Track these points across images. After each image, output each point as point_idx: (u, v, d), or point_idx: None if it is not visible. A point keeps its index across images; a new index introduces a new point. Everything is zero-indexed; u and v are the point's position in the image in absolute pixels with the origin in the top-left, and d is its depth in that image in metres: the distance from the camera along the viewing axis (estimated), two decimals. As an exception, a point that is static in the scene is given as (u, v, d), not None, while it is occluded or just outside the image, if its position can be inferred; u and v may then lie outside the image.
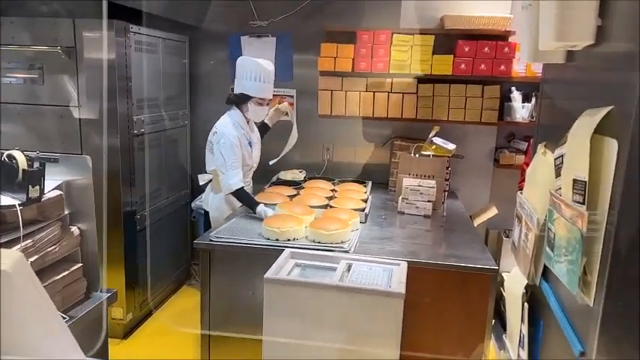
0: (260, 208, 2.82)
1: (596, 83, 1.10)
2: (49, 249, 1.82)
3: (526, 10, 1.24)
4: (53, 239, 1.84)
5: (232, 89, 3.23)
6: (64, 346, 0.91)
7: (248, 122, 3.11)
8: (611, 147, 0.92)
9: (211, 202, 3.14)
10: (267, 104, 3.09)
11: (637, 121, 0.87)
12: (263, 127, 3.37)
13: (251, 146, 3.11)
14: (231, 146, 2.90)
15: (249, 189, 3.22)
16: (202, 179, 3.23)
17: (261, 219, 2.68)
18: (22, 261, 0.83)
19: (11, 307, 0.81)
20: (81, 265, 1.97)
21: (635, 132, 0.87)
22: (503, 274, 3.23)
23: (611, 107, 0.95)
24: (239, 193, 2.90)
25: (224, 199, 3.07)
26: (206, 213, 3.22)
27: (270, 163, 3.47)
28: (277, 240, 2.44)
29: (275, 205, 2.85)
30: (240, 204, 3.03)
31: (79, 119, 3.11)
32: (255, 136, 3.22)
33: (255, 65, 2.96)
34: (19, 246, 1.69)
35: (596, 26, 1.03)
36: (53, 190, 1.87)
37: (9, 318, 0.81)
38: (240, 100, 3.02)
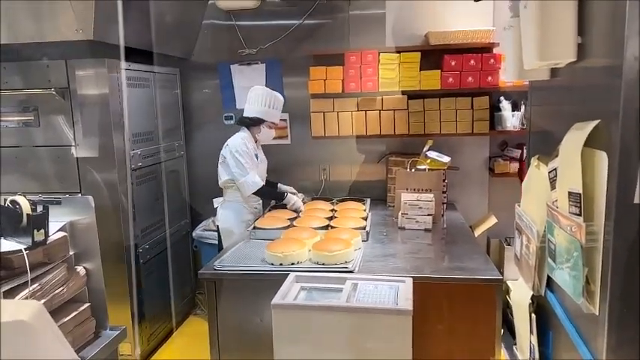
0: (289, 198, 3.36)
1: (582, 97, 1.14)
2: (57, 291, 1.83)
3: (508, 31, 1.29)
4: (60, 281, 1.85)
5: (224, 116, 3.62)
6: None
7: (256, 142, 3.42)
8: (601, 159, 0.95)
9: (221, 213, 3.41)
10: (275, 128, 3.50)
11: (624, 134, 0.91)
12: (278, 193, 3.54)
13: (257, 158, 3.39)
14: (245, 152, 3.27)
15: (259, 205, 3.52)
16: (217, 202, 3.50)
17: (266, 243, 2.71)
18: (41, 310, 0.85)
19: (33, 356, 0.83)
20: (89, 304, 1.97)
21: (623, 144, 0.91)
22: (508, 282, 3.25)
23: (597, 121, 0.98)
24: (262, 191, 3.32)
25: (232, 209, 3.37)
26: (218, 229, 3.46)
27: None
28: (281, 264, 2.45)
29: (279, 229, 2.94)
30: (250, 213, 3.39)
31: (77, 158, 3.13)
32: (261, 154, 3.51)
33: (270, 94, 3.37)
34: (27, 290, 1.70)
35: (576, 44, 1.08)
36: (57, 231, 1.89)
37: (32, 368, 0.83)
38: (253, 123, 3.37)
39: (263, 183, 3.29)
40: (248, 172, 3.23)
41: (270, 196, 3.44)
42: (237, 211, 3.37)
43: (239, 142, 3.29)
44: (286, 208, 3.41)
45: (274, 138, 3.94)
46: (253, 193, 3.28)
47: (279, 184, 3.66)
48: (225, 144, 3.34)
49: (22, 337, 0.81)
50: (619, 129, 0.91)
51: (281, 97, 3.44)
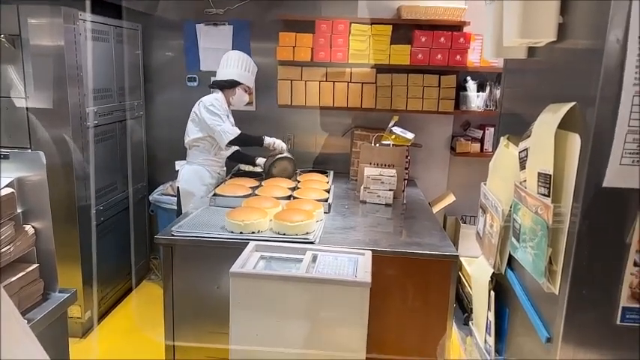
0: (268, 139, 3.36)
1: (558, 78, 1.14)
2: (3, 250, 1.74)
3: (489, 7, 1.27)
4: (6, 239, 1.76)
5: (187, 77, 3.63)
6: (32, 354, 0.88)
7: (229, 106, 3.39)
8: (574, 142, 0.96)
9: (183, 174, 3.35)
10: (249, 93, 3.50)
11: (599, 118, 0.91)
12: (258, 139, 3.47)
13: (228, 119, 3.36)
14: (220, 106, 3.25)
15: (222, 171, 3.50)
16: (179, 165, 3.42)
17: (225, 210, 2.65)
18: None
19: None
20: (37, 265, 1.88)
21: (597, 128, 0.92)
22: (461, 259, 3.34)
23: (573, 103, 0.98)
24: (242, 138, 3.27)
25: (194, 171, 3.33)
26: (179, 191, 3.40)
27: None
28: (241, 233, 2.41)
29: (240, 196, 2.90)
30: (212, 177, 3.36)
31: (27, 111, 2.96)
32: (232, 119, 3.44)
33: (247, 58, 3.40)
34: (-31, 248, 1.61)
35: (557, 23, 1.07)
36: (4, 187, 1.78)
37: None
38: (229, 85, 3.33)
39: (238, 132, 3.26)
40: (223, 122, 3.21)
41: (249, 142, 3.37)
42: (200, 174, 3.33)
43: (213, 99, 3.27)
44: (251, 176, 3.36)
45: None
46: (231, 142, 3.24)
47: None
48: (199, 101, 3.29)
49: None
50: (594, 113, 0.91)
51: (254, 64, 3.45)
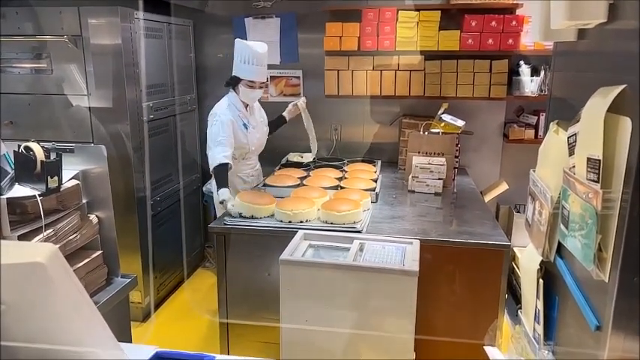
0: (223, 192, 2.76)
1: (609, 61, 1.10)
2: (70, 237, 1.87)
3: (537, -12, 1.24)
4: (73, 228, 1.89)
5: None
6: (101, 335, 0.95)
7: (247, 106, 3.13)
8: (625, 125, 0.93)
9: (213, 184, 3.17)
10: (260, 87, 3.06)
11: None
12: (279, 119, 3.43)
13: (246, 128, 3.10)
14: (221, 124, 2.91)
15: (256, 172, 3.32)
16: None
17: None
18: (56, 253, 0.86)
19: (49, 299, 0.85)
20: (101, 252, 2.02)
21: (649, 110, 0.88)
22: (515, 249, 3.26)
23: (624, 86, 0.95)
24: (218, 170, 2.84)
25: None
26: None
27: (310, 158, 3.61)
28: (290, 222, 2.47)
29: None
30: (244, 182, 3.19)
31: (89, 108, 3.13)
32: (255, 119, 3.20)
33: (245, 47, 2.96)
34: (41, 235, 1.74)
35: (607, 4, 1.03)
36: (70, 179, 1.91)
37: (48, 310, 0.85)
38: (233, 83, 3.06)
39: (224, 161, 2.84)
40: (215, 145, 2.88)
41: (216, 179, 2.88)
42: (229, 182, 2.99)
43: (220, 110, 2.99)
44: (299, 167, 3.39)
45: (287, 95, 3.87)
46: (213, 170, 2.88)
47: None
48: (211, 112, 3.06)
49: (38, 279, 0.83)
50: (646, 94, 0.88)
51: (262, 51, 2.96)
